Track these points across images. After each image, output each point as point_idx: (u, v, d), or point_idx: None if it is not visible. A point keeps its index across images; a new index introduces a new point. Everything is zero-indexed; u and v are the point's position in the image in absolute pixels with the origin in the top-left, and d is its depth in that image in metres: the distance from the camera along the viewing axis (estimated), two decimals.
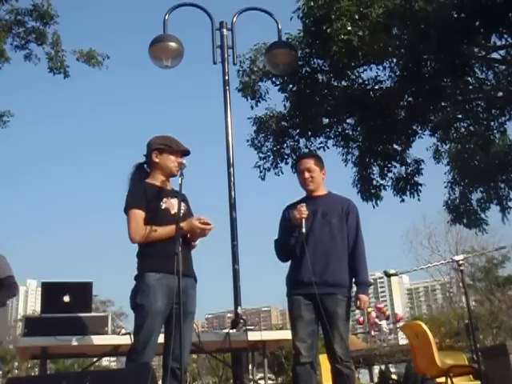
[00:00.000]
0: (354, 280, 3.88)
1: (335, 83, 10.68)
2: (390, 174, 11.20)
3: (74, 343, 4.25)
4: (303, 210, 3.81)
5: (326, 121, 11.16)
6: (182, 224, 3.36)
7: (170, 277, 3.24)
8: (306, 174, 3.99)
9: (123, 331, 4.45)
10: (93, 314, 4.64)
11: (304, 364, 3.67)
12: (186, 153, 3.69)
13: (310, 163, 4.03)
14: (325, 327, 3.75)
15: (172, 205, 3.51)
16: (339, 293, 3.77)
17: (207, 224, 3.46)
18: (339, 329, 3.70)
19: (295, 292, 3.82)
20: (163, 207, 3.49)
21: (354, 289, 3.95)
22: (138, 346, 3.28)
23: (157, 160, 3.59)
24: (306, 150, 11.03)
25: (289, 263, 3.99)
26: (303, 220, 3.79)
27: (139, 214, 3.42)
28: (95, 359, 5.56)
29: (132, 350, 3.32)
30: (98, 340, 4.34)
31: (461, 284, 25.30)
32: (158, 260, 3.35)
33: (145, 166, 3.71)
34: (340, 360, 3.66)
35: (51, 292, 4.62)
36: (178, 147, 3.64)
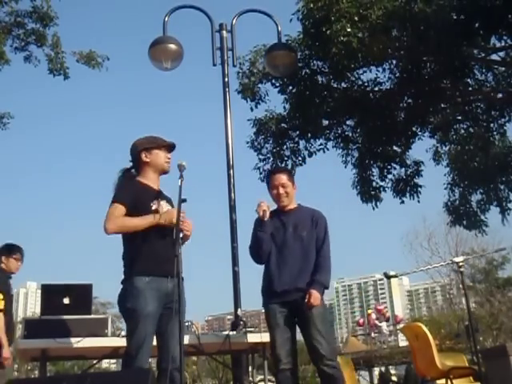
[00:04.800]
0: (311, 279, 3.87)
1: (335, 85, 10.68)
2: (390, 176, 11.20)
3: (74, 345, 4.24)
4: (263, 204, 3.95)
5: (325, 122, 11.16)
6: (158, 216, 3.36)
7: (159, 280, 3.26)
8: (281, 190, 4.06)
9: (123, 333, 4.44)
10: (93, 316, 4.63)
11: (284, 371, 3.71)
12: (172, 148, 3.70)
13: (283, 179, 4.10)
14: (304, 330, 3.80)
15: (161, 207, 3.52)
16: None
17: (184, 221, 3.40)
18: (317, 326, 3.74)
19: (270, 301, 3.88)
20: (153, 208, 3.48)
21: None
22: (131, 350, 3.24)
23: (147, 159, 3.59)
24: (306, 152, 11.05)
25: (262, 273, 4.03)
26: (266, 213, 3.92)
27: (119, 209, 3.38)
28: (95, 361, 5.56)
29: (126, 354, 3.29)
30: (97, 342, 4.34)
31: (461, 285, 25.29)
32: (146, 263, 3.33)
33: (132, 170, 3.70)
34: (323, 359, 3.66)
35: (51, 294, 4.62)
36: (164, 142, 3.66)
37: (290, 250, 3.92)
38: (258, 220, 4.00)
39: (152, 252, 3.32)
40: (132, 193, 3.47)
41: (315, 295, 3.77)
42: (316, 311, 3.77)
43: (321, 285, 3.85)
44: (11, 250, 5.34)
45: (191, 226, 3.47)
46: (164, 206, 3.52)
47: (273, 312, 3.84)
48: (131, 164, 3.70)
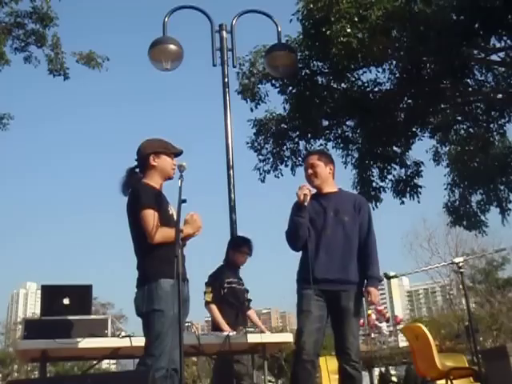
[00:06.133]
0: (365, 275, 3.79)
1: (335, 85, 10.68)
2: (390, 176, 11.19)
3: (74, 346, 4.23)
4: (305, 188, 3.82)
5: (325, 123, 11.16)
6: (186, 226, 3.38)
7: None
8: (310, 171, 3.99)
9: (123, 334, 4.44)
10: (93, 316, 4.62)
11: (305, 361, 3.59)
12: (178, 154, 3.70)
13: (313, 159, 4.04)
14: (336, 325, 3.71)
15: (173, 212, 3.53)
16: (352, 290, 3.74)
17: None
18: (352, 325, 3.68)
19: (306, 287, 3.73)
20: (170, 212, 3.50)
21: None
22: (155, 351, 3.21)
23: (155, 163, 3.57)
24: (306, 153, 11.04)
25: (299, 260, 3.93)
26: (307, 197, 3.77)
27: (155, 215, 3.36)
28: (95, 362, 5.55)
29: (148, 355, 3.25)
30: (97, 343, 4.32)
31: (461, 286, 25.27)
32: (170, 266, 3.27)
33: (136, 170, 3.68)
34: (349, 359, 3.61)
35: (51, 295, 4.61)
36: (173, 149, 3.66)
37: (330, 235, 3.79)
38: (297, 204, 3.83)
39: (171, 255, 3.26)
40: (154, 195, 3.46)
41: (374, 292, 3.73)
42: (353, 306, 3.69)
43: (377, 280, 3.80)
44: (239, 244, 5.33)
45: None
46: (174, 211, 3.51)
47: (307, 297, 3.68)
48: (136, 163, 3.67)
